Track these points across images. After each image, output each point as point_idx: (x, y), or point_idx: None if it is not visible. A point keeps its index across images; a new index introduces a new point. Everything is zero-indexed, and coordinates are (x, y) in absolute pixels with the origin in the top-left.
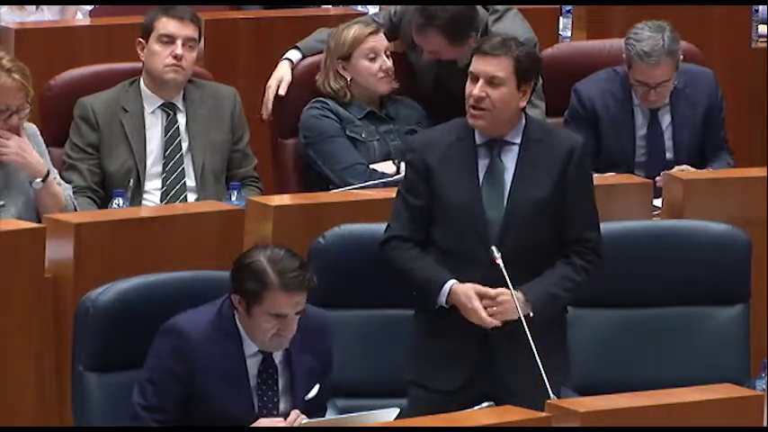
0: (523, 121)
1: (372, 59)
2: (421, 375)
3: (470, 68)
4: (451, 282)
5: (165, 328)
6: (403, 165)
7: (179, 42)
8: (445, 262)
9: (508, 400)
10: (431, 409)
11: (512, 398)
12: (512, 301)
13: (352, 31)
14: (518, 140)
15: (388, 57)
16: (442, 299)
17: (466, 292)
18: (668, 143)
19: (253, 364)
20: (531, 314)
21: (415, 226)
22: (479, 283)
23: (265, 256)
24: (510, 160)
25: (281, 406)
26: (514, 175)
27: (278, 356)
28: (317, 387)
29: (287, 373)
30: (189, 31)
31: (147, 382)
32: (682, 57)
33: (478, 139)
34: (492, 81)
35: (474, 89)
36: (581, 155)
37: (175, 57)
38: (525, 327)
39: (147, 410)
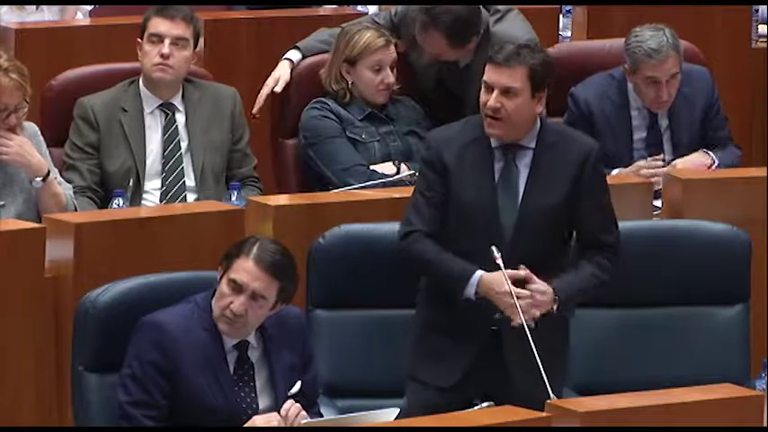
0: (539, 125)
1: (377, 71)
2: (418, 370)
3: (484, 78)
4: (480, 272)
5: (141, 324)
6: (403, 166)
7: (166, 41)
8: None
9: (508, 400)
10: (427, 405)
11: (512, 397)
12: (547, 296)
13: (365, 37)
14: (533, 145)
15: (392, 70)
16: (471, 290)
17: (496, 278)
18: (666, 145)
19: (229, 361)
20: (557, 308)
21: (436, 222)
22: None
23: (262, 238)
24: (524, 165)
25: (261, 403)
26: (528, 180)
27: (254, 354)
28: (299, 383)
29: (265, 370)
30: (179, 30)
31: (130, 378)
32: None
33: (494, 142)
34: (507, 91)
35: (489, 99)
36: (597, 158)
37: (162, 56)
38: (526, 328)
39: (134, 406)
